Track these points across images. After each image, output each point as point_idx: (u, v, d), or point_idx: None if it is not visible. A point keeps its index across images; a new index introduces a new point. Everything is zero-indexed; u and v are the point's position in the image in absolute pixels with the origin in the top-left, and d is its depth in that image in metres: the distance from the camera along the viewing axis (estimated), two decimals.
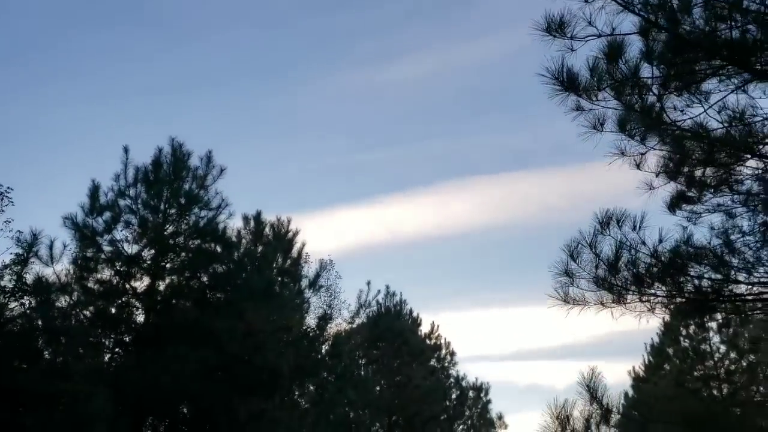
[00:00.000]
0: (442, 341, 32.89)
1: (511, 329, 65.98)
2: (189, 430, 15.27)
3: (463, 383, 34.25)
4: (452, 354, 33.31)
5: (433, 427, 28.19)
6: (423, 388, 27.23)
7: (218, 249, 15.90)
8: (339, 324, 21.67)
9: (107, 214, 15.24)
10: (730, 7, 5.67)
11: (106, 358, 15.28)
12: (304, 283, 19.59)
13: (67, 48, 50.48)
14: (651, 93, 6.48)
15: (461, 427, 33.89)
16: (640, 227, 6.87)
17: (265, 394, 15.49)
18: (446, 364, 32.86)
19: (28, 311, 13.29)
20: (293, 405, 18.40)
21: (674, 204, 7.74)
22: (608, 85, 6.36)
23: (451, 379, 33.21)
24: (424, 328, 32.02)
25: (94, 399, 11.58)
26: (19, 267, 13.33)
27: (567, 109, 6.79)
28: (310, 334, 19.15)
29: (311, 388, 19.81)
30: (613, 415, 6.14)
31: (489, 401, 35.86)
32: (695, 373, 24.01)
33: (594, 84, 6.31)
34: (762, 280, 6.52)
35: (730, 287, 6.66)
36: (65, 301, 14.52)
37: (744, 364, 23.37)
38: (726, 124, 6.55)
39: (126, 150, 15.85)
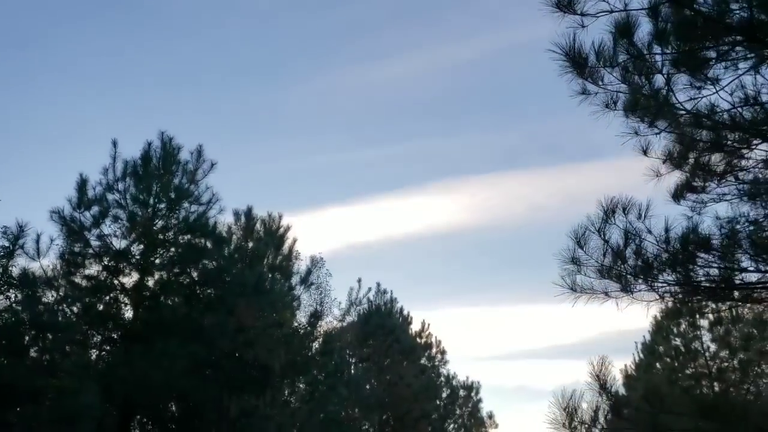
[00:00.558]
0: (433, 340, 32.79)
1: (500, 329, 65.97)
2: (178, 427, 15.04)
3: (454, 382, 34.17)
4: (443, 352, 33.22)
5: (424, 426, 28.01)
6: (414, 386, 27.07)
7: (208, 244, 15.66)
8: (330, 322, 21.49)
9: (95, 209, 14.99)
10: None
11: (94, 355, 15.01)
12: (296, 279, 19.36)
13: (56, 42, 49.94)
14: (660, 73, 6.32)
15: (452, 426, 33.80)
16: (645, 216, 6.71)
17: (256, 391, 15.31)
18: (437, 363, 32.74)
19: (14, 305, 13.00)
20: (284, 402, 18.18)
21: (679, 193, 7.60)
22: (621, 62, 6.19)
23: (442, 378, 33.09)
24: (415, 327, 31.90)
25: (81, 395, 11.31)
26: (4, 260, 13.03)
27: (577, 89, 6.64)
28: (301, 332, 18.93)
29: (302, 385, 19.59)
30: (623, 408, 5.99)
31: (480, 400, 35.84)
32: (687, 371, 23.97)
33: (608, 59, 6.13)
34: None
35: (741, 275, 6.53)
36: (52, 296, 14.27)
37: (735, 362, 23.34)
38: (738, 107, 6.39)
39: (114, 143, 15.61)
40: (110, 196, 15.17)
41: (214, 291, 15.37)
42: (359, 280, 25.67)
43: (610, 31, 6.12)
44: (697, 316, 24.03)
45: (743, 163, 7.20)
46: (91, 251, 14.78)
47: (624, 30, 5.99)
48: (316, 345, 19.87)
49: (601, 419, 6.09)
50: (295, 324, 19.02)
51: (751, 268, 6.34)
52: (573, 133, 59.49)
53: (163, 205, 15.50)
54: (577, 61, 6.19)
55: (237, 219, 19.43)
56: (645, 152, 7.43)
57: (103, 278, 14.77)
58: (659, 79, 6.52)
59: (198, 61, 56.48)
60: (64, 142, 50.54)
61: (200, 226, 15.43)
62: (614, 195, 6.64)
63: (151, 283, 15.08)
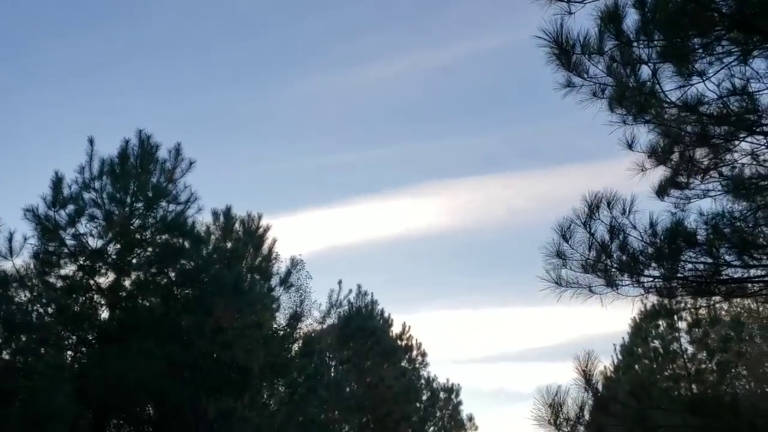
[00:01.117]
0: (414, 342, 32.69)
1: (479, 332, 66.05)
2: (154, 429, 14.81)
3: (434, 384, 34.12)
4: (423, 355, 33.13)
5: (404, 428, 27.90)
6: (394, 388, 26.95)
7: (186, 244, 15.43)
8: (310, 324, 21.31)
9: (71, 207, 14.69)
10: None
11: (69, 356, 14.72)
12: (275, 281, 19.14)
13: (32, 40, 49.25)
14: (646, 64, 6.25)
15: (432, 428, 33.73)
16: (630, 211, 6.65)
17: (234, 392, 15.11)
18: (417, 365, 32.65)
19: None
20: (263, 404, 17.98)
21: (663, 189, 7.55)
22: (608, 50, 6.11)
23: (422, 380, 33.01)
24: (396, 329, 31.78)
25: (54, 396, 11.06)
26: None
27: (562, 81, 6.54)
28: (281, 333, 18.73)
29: (281, 388, 19.38)
30: (609, 403, 5.90)
31: (460, 402, 35.82)
32: (665, 373, 24.08)
33: (594, 47, 6.05)
34: (757, 263, 6.33)
35: (726, 270, 6.48)
36: (25, 296, 14.00)
37: (713, 364, 23.47)
38: (725, 97, 6.34)
39: (91, 141, 15.32)
40: (86, 195, 14.90)
41: (192, 291, 15.16)
42: (340, 282, 25.52)
43: (599, 16, 6.05)
44: (676, 317, 24.18)
45: (728, 157, 7.17)
46: (66, 250, 14.51)
47: (612, 15, 5.91)
48: (296, 347, 19.69)
49: (587, 415, 6.01)
50: (275, 325, 18.81)
51: (737, 263, 6.31)
52: (552, 137, 59.79)
53: (140, 204, 15.27)
54: (563, 48, 6.11)
55: (215, 219, 19.19)
56: (630, 146, 7.38)
57: (78, 278, 14.50)
58: (645, 72, 6.48)
59: (179, 64, 56.04)
60: (39, 140, 49.84)
61: (178, 225, 15.21)
62: (599, 190, 6.58)
63: (127, 283, 14.84)
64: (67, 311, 14.28)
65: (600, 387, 6.36)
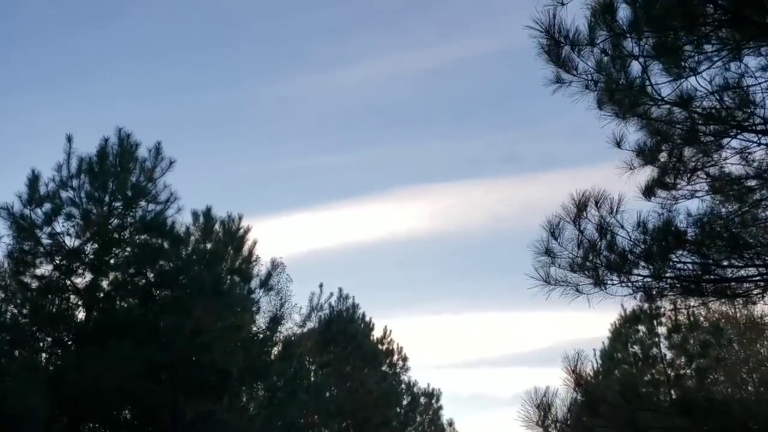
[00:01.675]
0: (395, 346, 32.59)
1: (459, 337, 66.15)
2: None
3: (415, 389, 34.02)
4: (404, 359, 33.01)
5: None
6: (375, 393, 26.80)
7: (165, 244, 15.21)
8: (290, 327, 21.07)
9: (47, 206, 14.42)
10: None
11: (43, 357, 14.43)
12: (255, 283, 18.91)
13: (11, 36, 48.65)
14: (637, 59, 6.19)
15: None
16: (617, 211, 6.59)
17: (213, 395, 14.90)
18: (398, 370, 32.53)
19: None
20: (242, 408, 17.76)
21: (650, 190, 7.50)
22: (599, 43, 6.03)
23: (403, 385, 32.90)
24: (377, 333, 31.63)
25: (27, 398, 10.79)
26: None
27: (552, 76, 6.47)
28: (261, 336, 18.51)
29: (261, 391, 19.16)
30: (599, 404, 5.82)
31: (440, 407, 35.76)
32: (645, 378, 24.17)
33: (586, 39, 5.98)
34: (747, 263, 6.29)
35: (715, 270, 6.43)
36: None
37: (691, 370, 23.58)
38: (716, 93, 6.29)
39: (69, 139, 15.04)
40: (64, 193, 14.64)
41: (171, 292, 14.95)
42: (321, 285, 25.20)
43: (591, 7, 5.97)
44: (655, 323, 24.32)
45: (716, 156, 7.15)
46: (42, 250, 14.23)
47: (605, 5, 5.83)
48: (275, 350, 19.47)
49: (576, 417, 5.92)
50: (255, 328, 18.59)
51: (725, 263, 6.26)
52: (535, 143, 60.08)
53: (119, 203, 15.04)
54: (555, 39, 6.02)
55: (195, 219, 18.93)
56: (619, 144, 7.33)
57: (54, 278, 14.23)
58: (636, 68, 6.43)
59: (159, 63, 55.64)
60: (14, 137, 49.17)
61: (157, 225, 15.00)
62: (587, 189, 6.51)
63: (105, 283, 14.57)
64: (43, 312, 14.04)
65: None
